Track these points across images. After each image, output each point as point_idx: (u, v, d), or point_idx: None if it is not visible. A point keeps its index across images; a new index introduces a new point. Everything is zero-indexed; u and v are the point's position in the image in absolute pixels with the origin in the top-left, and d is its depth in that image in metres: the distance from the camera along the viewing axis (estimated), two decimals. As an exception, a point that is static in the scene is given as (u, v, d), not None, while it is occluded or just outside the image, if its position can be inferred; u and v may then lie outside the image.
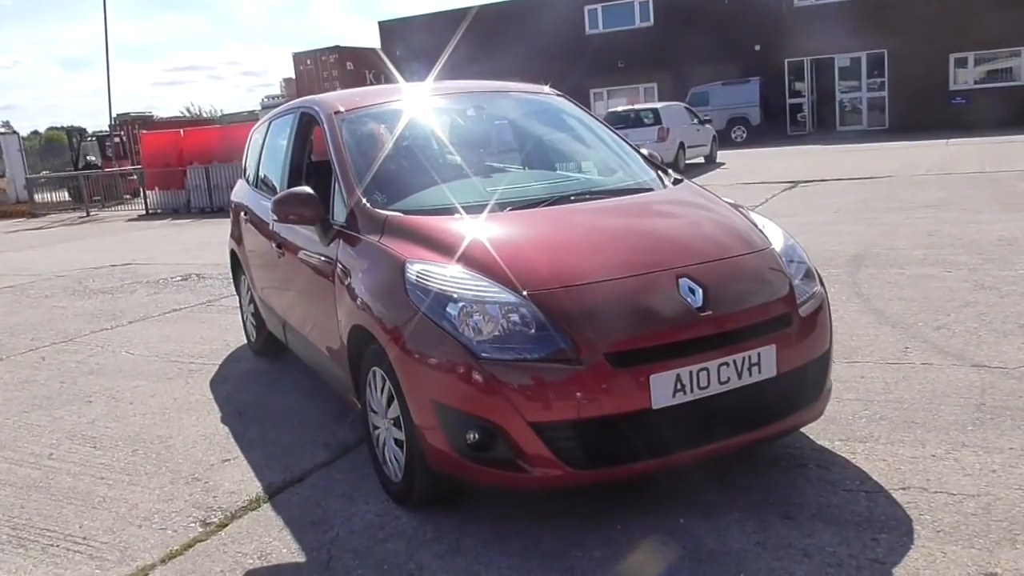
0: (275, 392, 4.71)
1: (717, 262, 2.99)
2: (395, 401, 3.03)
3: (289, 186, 4.32)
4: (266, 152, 5.05)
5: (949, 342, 4.57)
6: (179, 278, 9.25)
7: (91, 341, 6.46)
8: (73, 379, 5.39)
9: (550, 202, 3.43)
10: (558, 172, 4.01)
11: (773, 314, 2.93)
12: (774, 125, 26.62)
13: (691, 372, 2.71)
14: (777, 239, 3.26)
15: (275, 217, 3.59)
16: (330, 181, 3.71)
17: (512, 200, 3.40)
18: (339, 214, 3.60)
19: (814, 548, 2.64)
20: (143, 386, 5.07)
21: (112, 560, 2.96)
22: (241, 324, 5.91)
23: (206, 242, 12.56)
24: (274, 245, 4.31)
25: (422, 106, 4.18)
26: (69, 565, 2.96)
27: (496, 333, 2.71)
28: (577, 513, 2.97)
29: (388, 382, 3.05)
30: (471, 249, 3.01)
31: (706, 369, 2.73)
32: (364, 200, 3.46)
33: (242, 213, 5.20)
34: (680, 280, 2.86)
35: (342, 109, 3.96)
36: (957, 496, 2.88)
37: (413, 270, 2.96)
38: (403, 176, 3.68)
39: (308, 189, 3.60)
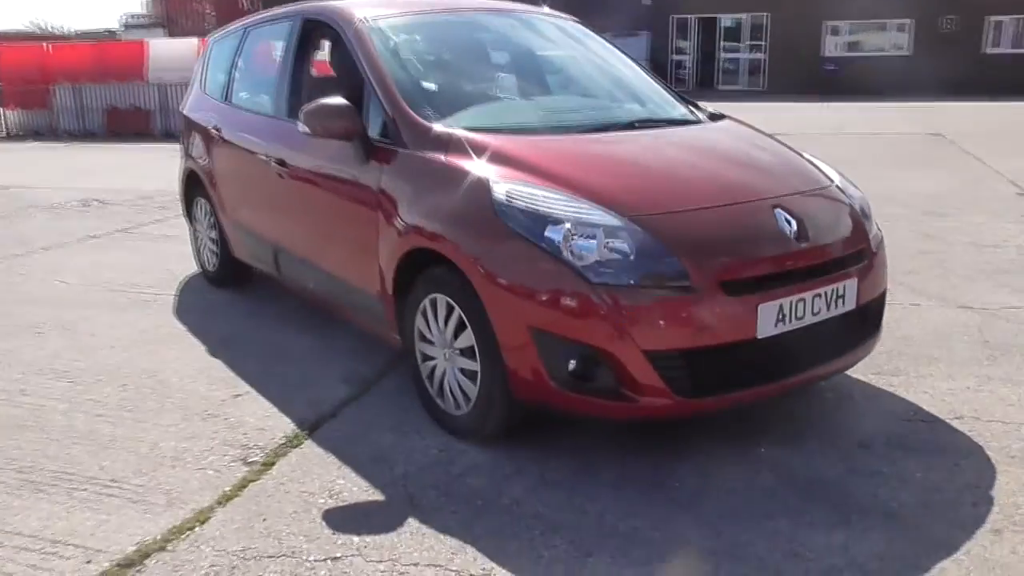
0: (259, 325, 4.36)
1: (802, 195, 2.97)
2: (466, 329, 2.85)
3: (292, 101, 3.96)
4: (245, 64, 4.59)
5: (925, 286, 4.80)
6: (77, 204, 8.41)
7: (7, 268, 5.77)
8: (7, 309, 4.79)
9: (617, 128, 3.29)
10: (601, 99, 3.84)
11: (855, 247, 2.95)
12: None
13: (791, 302, 2.68)
14: (835, 176, 3.27)
15: (307, 130, 3.26)
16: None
17: (577, 124, 3.24)
18: (374, 130, 3.31)
19: (906, 474, 2.71)
20: (96, 317, 4.57)
21: (160, 504, 2.65)
22: (192, 252, 5.43)
23: (91, 168, 11.50)
24: (272, 163, 3.93)
25: (444, 20, 3.90)
26: (111, 511, 2.62)
27: (602, 257, 2.58)
28: (655, 446, 2.92)
29: (458, 309, 2.86)
30: (560, 170, 2.84)
31: (803, 300, 2.71)
32: (415, 115, 3.19)
33: (211, 128, 4.72)
34: (775, 210, 2.82)
35: (367, 17, 3.62)
36: (1012, 424, 3.03)
37: (502, 190, 2.76)
38: (450, 91, 3.43)
39: (344, 100, 3.28)
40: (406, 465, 2.86)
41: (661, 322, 2.54)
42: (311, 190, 3.67)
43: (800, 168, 3.19)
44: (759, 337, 2.63)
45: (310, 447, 3.02)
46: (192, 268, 5.45)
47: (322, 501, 2.65)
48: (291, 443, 3.05)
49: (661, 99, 3.81)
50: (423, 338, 3.12)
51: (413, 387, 3.28)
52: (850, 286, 2.87)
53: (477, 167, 2.89)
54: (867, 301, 2.99)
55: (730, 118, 3.70)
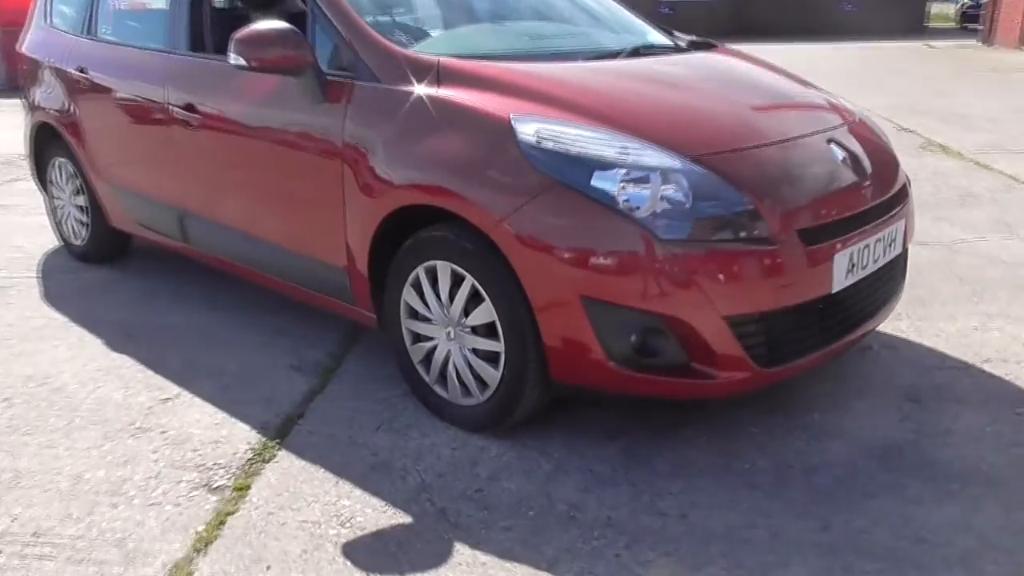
0: (164, 307, 3.60)
1: (845, 128, 2.64)
2: (482, 303, 2.34)
3: (196, 31, 3.20)
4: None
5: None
6: None
7: None
8: None
9: (623, 56, 2.81)
10: (586, 26, 3.32)
11: (900, 185, 2.67)
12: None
13: (860, 249, 2.37)
14: (854, 108, 2.98)
15: (240, 62, 2.57)
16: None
17: (580, 50, 2.74)
18: (322, 61, 2.67)
19: (975, 430, 2.49)
20: (-63, 311, 3.64)
21: (114, 561, 1.99)
22: (49, 223, 4.48)
23: None
24: (173, 109, 3.17)
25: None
26: (46, 578, 1.94)
27: (660, 208, 2.14)
28: (692, 422, 2.55)
29: (471, 279, 2.34)
30: (591, 102, 2.36)
31: (868, 245, 2.41)
32: (386, 40, 2.58)
33: (71, 71, 3.81)
34: (831, 146, 2.48)
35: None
36: (1043, 365, 2.90)
37: (529, 129, 2.24)
38: (420, 13, 2.82)
39: (288, 25, 2.61)
40: (420, 473, 2.33)
41: (742, 282, 2.14)
42: (239, 141, 2.96)
43: (827, 98, 2.87)
44: (834, 291, 2.30)
45: (287, 460, 2.42)
46: (49, 243, 4.50)
47: (333, 532, 2.09)
48: (260, 456, 2.44)
49: (643, 26, 3.36)
50: (414, 315, 2.58)
51: (397, 373, 2.73)
52: (899, 228, 2.60)
53: (487, 101, 2.35)
54: (907, 245, 2.74)
55: (720, 45, 3.32)
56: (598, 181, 2.15)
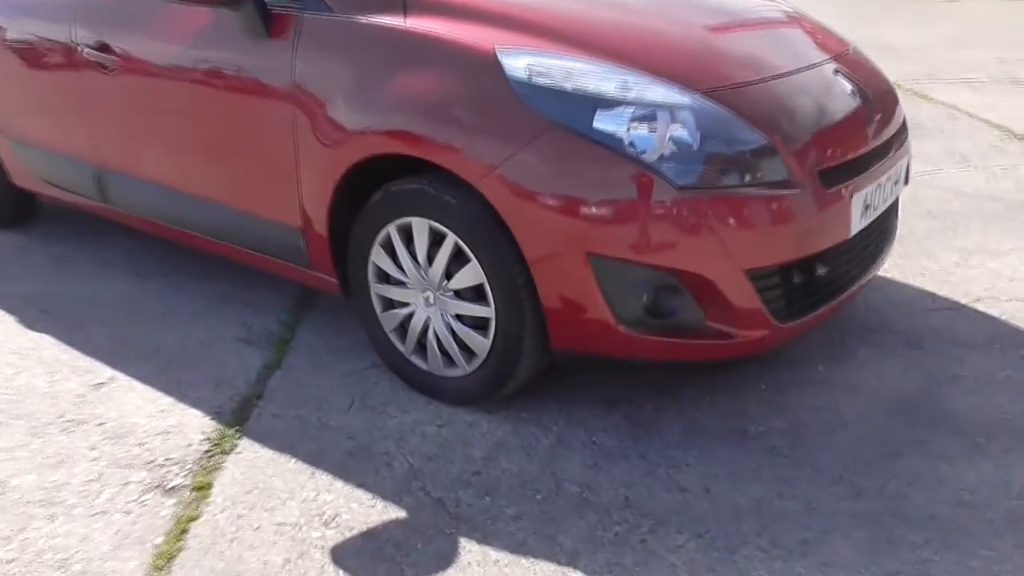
0: (76, 277, 3.17)
1: (845, 58, 2.43)
2: (468, 264, 2.07)
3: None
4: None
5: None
6: None
7: None
8: None
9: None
10: None
11: (903, 117, 2.49)
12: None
13: (873, 190, 2.19)
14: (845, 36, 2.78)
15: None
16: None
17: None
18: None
19: (985, 375, 2.38)
20: None
21: (62, 589, 1.69)
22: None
23: None
24: (83, 51, 2.74)
25: None
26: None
27: (668, 150, 1.90)
28: (692, 382, 2.37)
29: (453, 236, 2.07)
30: (584, 31, 2.07)
31: (880, 184, 2.23)
32: (338, -36, 2.23)
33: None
34: (838, 77, 2.27)
35: None
36: (1033, 301, 2.82)
37: (519, 63, 1.95)
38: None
39: (219, -55, 2.23)
40: (406, 457, 2.08)
41: (763, 230, 1.93)
42: (167, 86, 2.56)
43: (818, 24, 2.65)
44: (851, 236, 2.12)
45: (251, 449, 2.13)
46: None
47: (317, 535, 1.83)
48: (219, 447, 2.14)
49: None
50: (384, 279, 2.29)
51: (362, 342, 2.46)
52: (903, 164, 2.43)
53: (465, 32, 2.04)
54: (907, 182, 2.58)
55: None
56: (601, 122, 1.88)
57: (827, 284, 2.16)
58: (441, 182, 2.06)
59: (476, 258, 2.06)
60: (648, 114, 1.90)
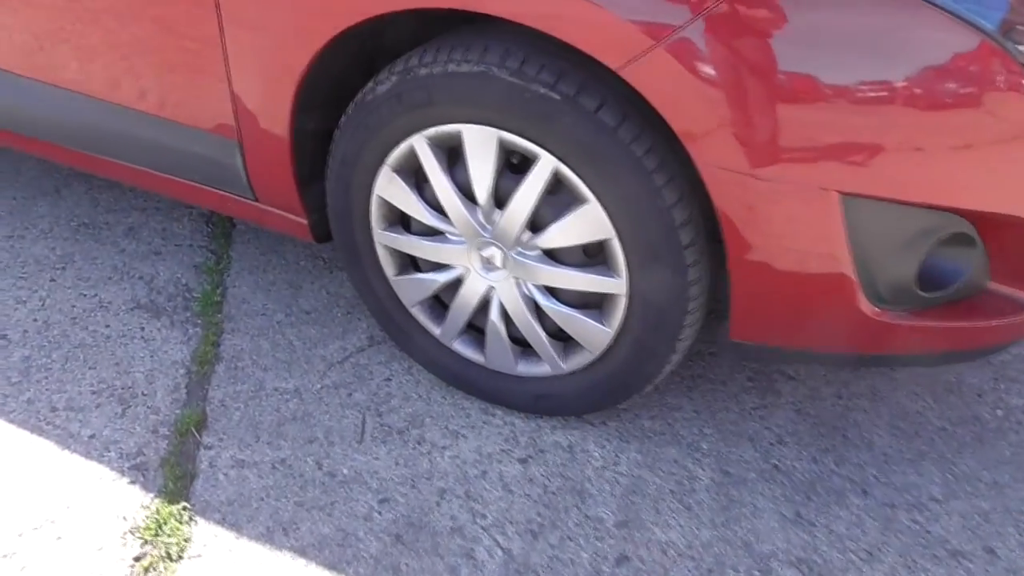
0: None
1: None
2: (583, 206, 1.17)
3: None
4: None
5: None
6: None
7: None
8: None
9: None
10: None
11: None
12: None
13: None
14: None
15: None
16: None
17: None
18: None
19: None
20: None
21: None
22: None
23: None
24: None
25: None
26: None
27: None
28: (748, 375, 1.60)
29: (560, 163, 1.14)
30: None
31: None
32: None
33: None
34: None
35: None
36: None
37: None
38: None
39: None
40: (491, 533, 1.24)
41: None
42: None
43: None
44: None
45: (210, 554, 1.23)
46: None
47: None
48: (180, 512, 1.23)
49: None
50: (400, 223, 1.36)
51: (353, 301, 1.54)
52: None
53: None
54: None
55: None
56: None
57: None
58: (530, 60, 1.10)
59: (598, 197, 1.14)
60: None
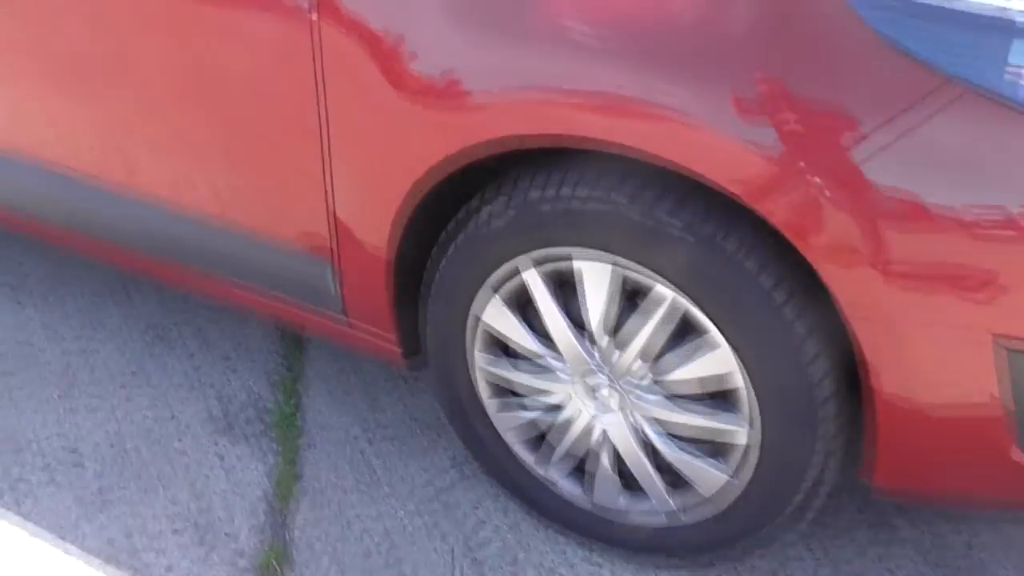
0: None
1: None
2: (700, 343, 1.10)
3: None
4: None
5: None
6: None
7: None
8: None
9: None
10: None
11: None
12: None
13: None
14: None
15: None
16: None
17: None
18: None
19: None
20: None
21: None
22: None
23: None
24: None
25: None
26: None
27: None
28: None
29: (687, 299, 1.08)
30: None
31: None
32: None
33: None
34: None
35: None
36: None
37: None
38: None
39: None
40: None
41: None
42: (77, 23, 1.39)
43: None
44: None
45: None
46: None
47: None
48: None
49: None
50: (499, 348, 1.29)
51: (438, 424, 1.47)
52: None
53: None
54: None
55: None
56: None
57: None
58: (664, 196, 1.05)
59: (725, 335, 1.08)
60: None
